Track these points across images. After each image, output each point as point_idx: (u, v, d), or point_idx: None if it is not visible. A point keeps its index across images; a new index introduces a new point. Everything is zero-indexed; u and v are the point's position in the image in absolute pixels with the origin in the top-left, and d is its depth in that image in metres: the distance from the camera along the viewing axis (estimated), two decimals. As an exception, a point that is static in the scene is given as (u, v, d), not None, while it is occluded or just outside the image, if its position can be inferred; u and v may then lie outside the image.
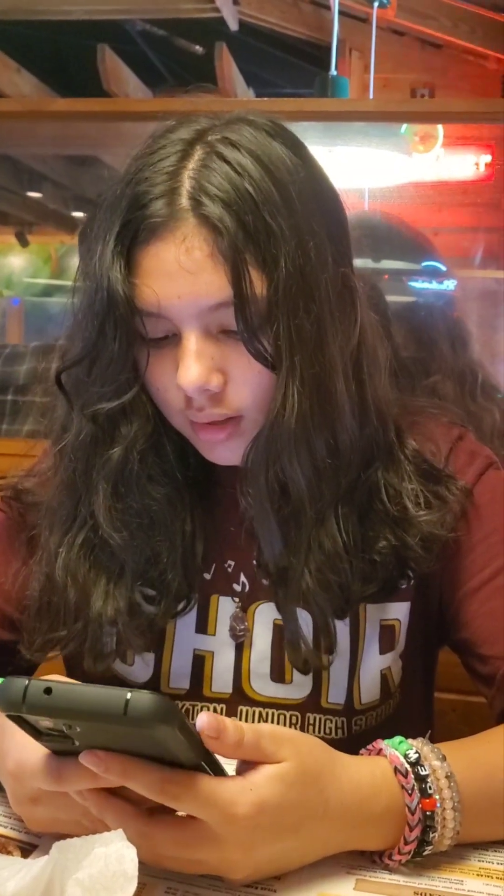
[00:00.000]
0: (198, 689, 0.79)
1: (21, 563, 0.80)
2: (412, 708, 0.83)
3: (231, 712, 0.79)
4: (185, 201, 0.66)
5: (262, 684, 0.78)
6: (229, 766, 0.56)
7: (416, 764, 0.59)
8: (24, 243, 4.49)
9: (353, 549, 0.73)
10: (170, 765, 0.51)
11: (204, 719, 0.52)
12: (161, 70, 4.84)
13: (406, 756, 0.60)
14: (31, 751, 0.55)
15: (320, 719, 0.78)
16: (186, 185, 0.66)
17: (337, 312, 0.71)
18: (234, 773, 0.56)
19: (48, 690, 0.47)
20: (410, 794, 0.58)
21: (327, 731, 0.78)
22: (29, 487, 0.81)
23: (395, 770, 0.59)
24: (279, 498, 0.72)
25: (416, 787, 0.58)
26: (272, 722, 0.79)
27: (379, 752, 0.62)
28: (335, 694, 0.78)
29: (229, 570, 0.79)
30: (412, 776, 0.59)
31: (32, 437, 0.88)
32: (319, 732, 0.78)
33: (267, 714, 0.78)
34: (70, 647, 0.76)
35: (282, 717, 0.78)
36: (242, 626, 0.78)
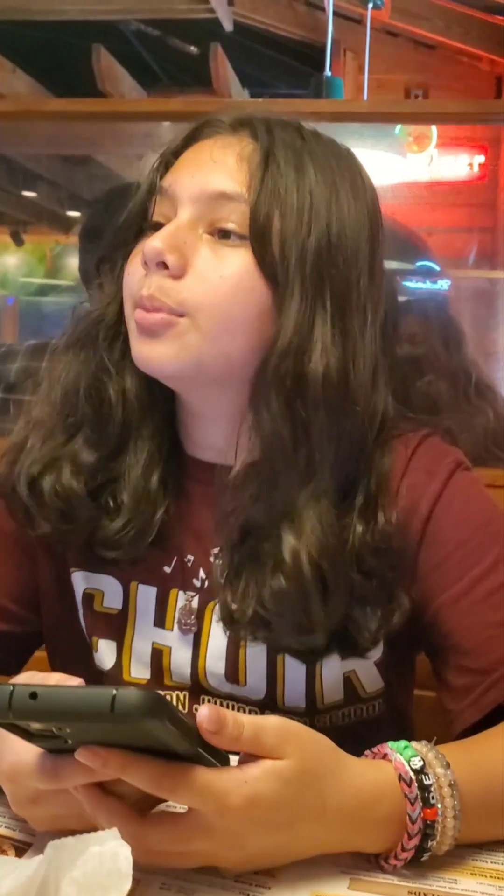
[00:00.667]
0: (159, 679, 0.79)
1: (15, 557, 0.81)
2: (389, 712, 0.82)
3: (194, 700, 0.79)
4: (247, 125, 0.73)
5: (218, 682, 0.78)
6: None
7: (420, 772, 0.59)
8: (18, 243, 4.49)
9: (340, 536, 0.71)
10: (165, 755, 0.51)
11: (204, 712, 0.52)
12: (156, 70, 4.84)
13: (410, 763, 0.59)
14: (25, 752, 0.55)
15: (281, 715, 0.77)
16: (259, 120, 0.73)
17: (361, 296, 0.72)
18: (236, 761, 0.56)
19: (33, 695, 0.47)
20: (413, 804, 0.58)
21: None
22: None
23: (400, 777, 0.59)
24: (289, 431, 0.69)
25: (419, 797, 0.58)
26: None
27: (384, 756, 0.61)
28: (292, 697, 0.77)
29: (189, 564, 0.79)
30: (416, 785, 0.58)
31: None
32: None
33: (228, 706, 0.78)
34: (6, 493, 0.77)
35: (241, 711, 0.78)
36: (191, 620, 0.78)
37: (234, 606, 0.71)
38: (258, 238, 0.69)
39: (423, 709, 0.88)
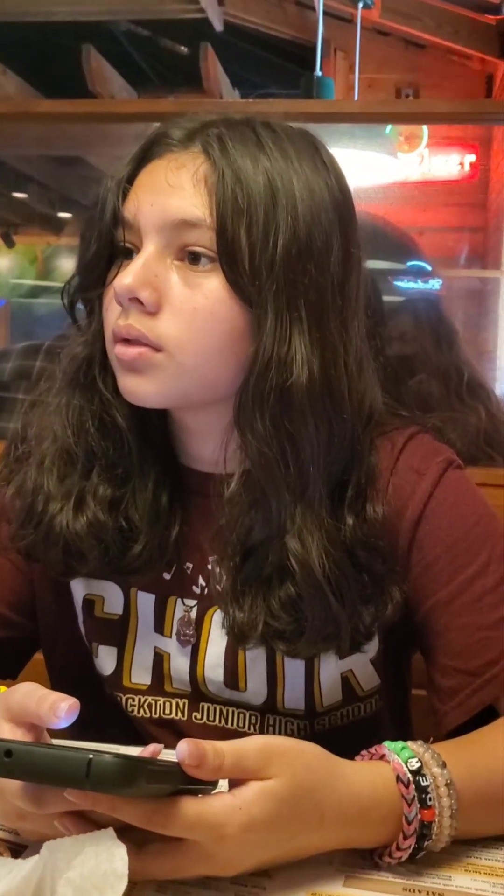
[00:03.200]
0: (159, 686, 0.79)
1: (10, 563, 0.81)
2: (386, 710, 0.82)
3: (193, 708, 0.79)
4: (199, 138, 0.70)
5: (217, 689, 0.78)
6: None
7: (417, 773, 0.59)
8: (9, 244, 4.48)
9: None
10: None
11: (184, 748, 0.52)
12: (146, 70, 4.83)
13: (408, 764, 0.59)
14: None
15: (280, 720, 0.78)
16: (209, 130, 0.71)
17: (338, 298, 0.71)
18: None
19: (8, 753, 0.46)
20: (410, 805, 0.58)
21: (288, 731, 0.78)
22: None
23: (398, 779, 0.59)
24: (284, 448, 0.69)
25: (416, 798, 0.58)
26: (233, 720, 0.78)
27: (382, 756, 0.61)
28: (292, 699, 0.77)
29: (188, 571, 0.79)
30: (413, 786, 0.58)
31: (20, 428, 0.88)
32: (280, 733, 0.78)
33: (228, 712, 0.78)
34: (27, 542, 0.76)
35: (241, 717, 0.78)
36: (189, 631, 0.78)
37: (243, 619, 0.71)
38: (228, 262, 0.67)
39: (419, 708, 0.89)
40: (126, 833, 0.51)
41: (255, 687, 0.77)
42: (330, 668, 0.77)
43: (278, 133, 0.71)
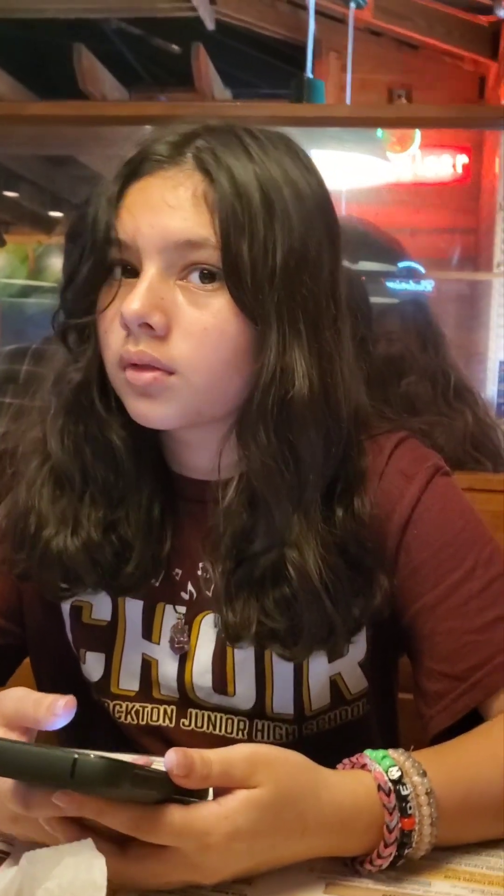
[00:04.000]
0: (147, 692, 0.79)
1: None
2: (373, 714, 0.82)
3: (181, 714, 0.79)
4: (189, 151, 0.69)
5: (205, 694, 0.78)
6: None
7: (398, 782, 0.59)
8: (0, 243, 4.46)
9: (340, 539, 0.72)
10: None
11: (172, 758, 0.51)
12: (137, 69, 4.83)
13: (389, 773, 0.59)
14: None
15: (269, 725, 0.78)
16: (196, 142, 0.70)
17: (332, 309, 0.71)
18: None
19: None
20: (391, 814, 0.58)
21: (277, 736, 0.78)
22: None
23: (379, 787, 0.59)
24: (286, 456, 0.69)
25: (396, 807, 0.58)
26: (221, 726, 0.78)
27: (363, 766, 0.61)
28: (281, 703, 0.78)
29: (177, 577, 0.79)
30: (394, 795, 0.59)
31: (4, 439, 0.87)
32: (269, 738, 0.78)
33: (216, 718, 0.78)
34: (21, 567, 0.76)
35: (230, 722, 0.78)
36: (183, 639, 0.78)
37: (235, 621, 0.71)
38: (234, 280, 0.67)
39: (405, 712, 0.89)
40: (110, 835, 0.52)
41: (244, 691, 0.77)
42: (319, 672, 0.77)
43: (261, 139, 0.71)
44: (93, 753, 0.47)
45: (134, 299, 0.67)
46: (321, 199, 0.73)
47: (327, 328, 0.71)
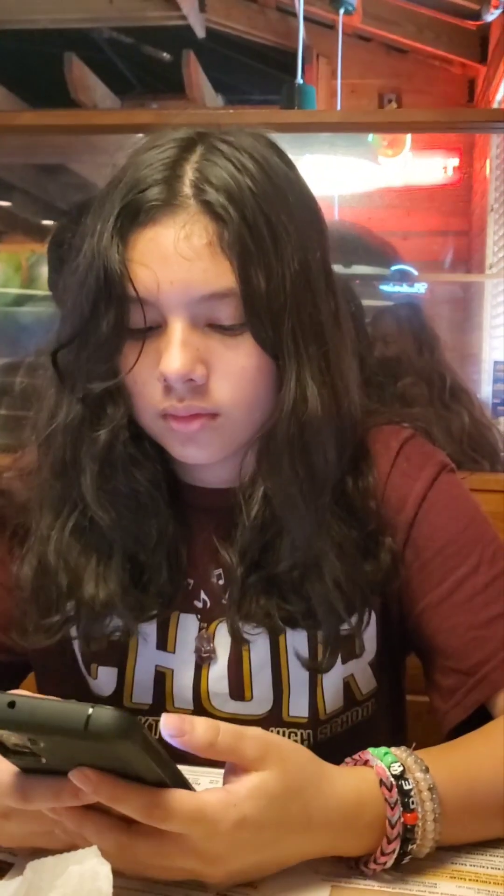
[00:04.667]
0: (160, 705, 0.79)
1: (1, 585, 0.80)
2: (382, 714, 0.83)
3: None
4: (186, 188, 0.67)
5: (221, 702, 0.78)
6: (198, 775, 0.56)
7: (400, 777, 0.60)
8: (-7, 252, 4.46)
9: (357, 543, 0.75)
10: (134, 780, 0.51)
11: (165, 719, 0.52)
12: (129, 77, 4.84)
13: (391, 768, 0.60)
14: None
15: (283, 732, 0.78)
16: (189, 174, 0.67)
17: (332, 317, 0.73)
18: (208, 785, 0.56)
19: (11, 704, 0.47)
20: (393, 808, 0.59)
21: None
22: (9, 488, 0.80)
23: (381, 782, 0.59)
24: (304, 484, 0.71)
25: (398, 802, 0.59)
26: None
27: (365, 762, 0.62)
28: (297, 707, 0.78)
29: (189, 587, 0.79)
30: (396, 790, 0.59)
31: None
32: None
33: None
34: (63, 630, 0.75)
35: None
36: (209, 647, 0.78)
37: (252, 614, 0.74)
38: (256, 327, 0.67)
39: (412, 712, 0.90)
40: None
41: (261, 695, 0.77)
42: (333, 674, 0.78)
43: (244, 151, 0.69)
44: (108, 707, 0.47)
45: (173, 358, 0.66)
46: (308, 201, 0.73)
47: (331, 339, 0.72)
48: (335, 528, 0.74)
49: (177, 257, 0.66)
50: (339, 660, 0.77)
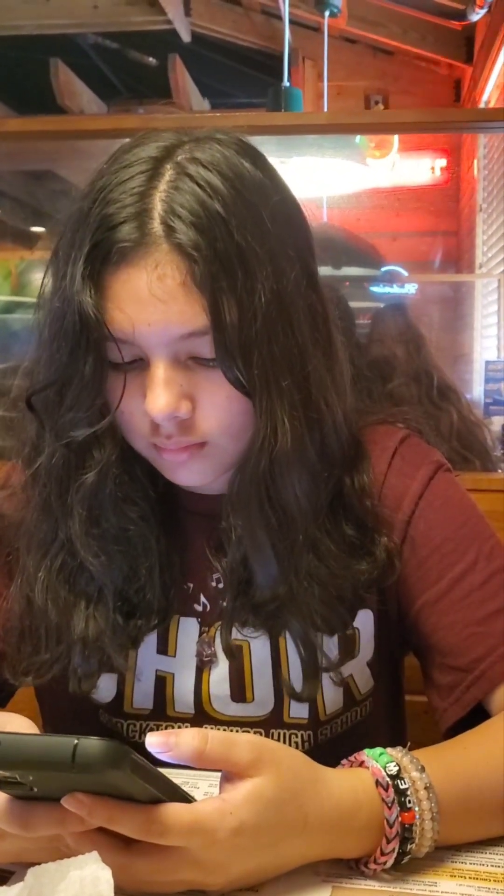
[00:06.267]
0: (161, 710, 0.79)
1: None
2: (381, 714, 0.83)
3: None
4: (156, 225, 0.65)
5: (222, 704, 0.78)
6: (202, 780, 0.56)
7: (396, 777, 0.60)
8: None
9: (346, 562, 0.74)
10: (127, 800, 0.51)
11: (149, 739, 0.52)
12: (115, 82, 4.85)
13: (386, 768, 0.60)
14: None
15: (284, 734, 0.78)
16: (158, 207, 0.65)
17: (313, 334, 0.71)
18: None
19: None
20: (390, 808, 0.59)
21: (292, 744, 0.78)
22: (1, 509, 0.80)
23: (377, 783, 0.59)
24: (272, 522, 0.71)
25: (395, 801, 0.59)
26: None
27: (361, 763, 0.62)
28: (298, 708, 0.78)
29: (188, 591, 0.79)
30: (392, 790, 0.59)
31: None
32: None
33: (232, 732, 0.78)
34: (54, 669, 0.75)
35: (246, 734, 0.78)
36: (210, 651, 0.78)
37: (235, 621, 0.74)
38: (228, 364, 0.66)
39: (412, 715, 0.90)
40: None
41: (262, 696, 0.77)
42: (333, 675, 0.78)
43: (215, 169, 0.66)
44: (94, 738, 0.47)
45: (157, 398, 0.66)
46: (286, 208, 0.71)
47: (312, 355, 0.71)
48: (323, 546, 0.73)
49: (152, 300, 0.65)
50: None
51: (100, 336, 0.66)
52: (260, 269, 0.66)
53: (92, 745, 0.46)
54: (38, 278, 0.74)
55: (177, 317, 0.65)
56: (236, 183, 0.66)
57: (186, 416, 0.68)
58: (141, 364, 0.68)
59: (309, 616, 0.73)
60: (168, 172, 0.66)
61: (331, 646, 0.76)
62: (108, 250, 0.65)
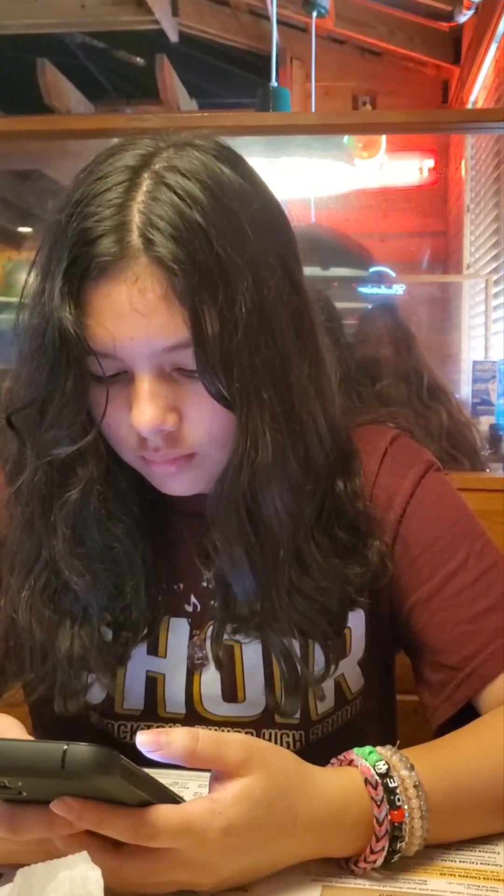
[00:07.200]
0: (152, 710, 0.79)
1: None
2: (372, 713, 0.84)
3: None
4: (135, 239, 0.63)
5: (214, 704, 0.78)
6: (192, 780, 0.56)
7: (385, 775, 0.60)
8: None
9: (332, 572, 0.74)
10: (117, 803, 0.51)
11: (140, 737, 0.52)
12: (102, 82, 4.84)
13: (376, 767, 0.60)
14: None
15: (276, 734, 0.78)
16: (136, 219, 0.64)
17: (297, 342, 0.70)
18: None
19: None
20: (379, 806, 0.59)
21: (284, 744, 0.78)
22: None
23: (366, 781, 0.59)
24: (251, 539, 0.71)
25: (384, 799, 0.59)
26: None
27: (350, 762, 0.62)
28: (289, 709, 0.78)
29: (178, 591, 0.79)
30: (381, 788, 0.59)
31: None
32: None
33: (222, 731, 0.77)
34: (40, 689, 0.75)
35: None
36: (201, 654, 0.78)
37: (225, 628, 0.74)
38: (209, 378, 0.66)
39: (403, 715, 0.90)
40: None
41: (254, 696, 0.77)
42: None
43: (194, 177, 0.65)
44: (83, 743, 0.47)
45: (143, 411, 0.65)
46: (268, 213, 0.70)
47: (295, 370, 0.70)
48: (309, 558, 0.73)
49: (133, 314, 0.64)
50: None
51: (80, 352, 0.65)
52: (241, 279, 0.65)
53: (81, 751, 0.45)
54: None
55: (159, 330, 0.64)
56: (216, 191, 0.65)
57: (173, 428, 0.67)
58: (125, 377, 0.67)
59: (290, 631, 0.73)
60: (146, 182, 0.65)
61: (318, 655, 0.75)
62: (87, 265, 0.64)
